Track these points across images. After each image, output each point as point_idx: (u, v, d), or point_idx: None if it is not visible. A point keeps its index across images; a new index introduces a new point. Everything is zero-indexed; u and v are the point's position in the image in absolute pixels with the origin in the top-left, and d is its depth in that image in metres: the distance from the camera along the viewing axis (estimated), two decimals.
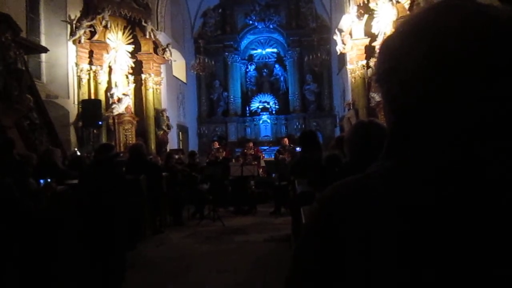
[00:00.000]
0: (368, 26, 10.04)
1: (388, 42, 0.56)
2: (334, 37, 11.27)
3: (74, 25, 10.15)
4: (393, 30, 0.59)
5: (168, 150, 11.93)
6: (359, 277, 0.50)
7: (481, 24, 0.48)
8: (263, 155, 11.91)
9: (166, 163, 8.04)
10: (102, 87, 10.87)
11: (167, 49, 12.56)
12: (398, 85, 0.52)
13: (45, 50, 8.82)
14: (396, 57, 0.53)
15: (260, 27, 17.46)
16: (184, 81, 16.11)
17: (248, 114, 17.76)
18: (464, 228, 0.46)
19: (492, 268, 0.44)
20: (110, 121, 10.91)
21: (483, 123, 0.47)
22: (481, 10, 0.49)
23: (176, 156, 9.14)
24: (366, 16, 10.08)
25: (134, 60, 11.76)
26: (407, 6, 8.96)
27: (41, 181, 4.27)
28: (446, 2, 0.52)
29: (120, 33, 11.36)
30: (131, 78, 11.84)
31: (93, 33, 10.56)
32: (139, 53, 11.89)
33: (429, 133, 0.50)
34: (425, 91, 0.49)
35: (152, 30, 12.00)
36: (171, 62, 13.54)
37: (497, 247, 0.44)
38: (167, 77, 13.42)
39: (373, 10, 9.76)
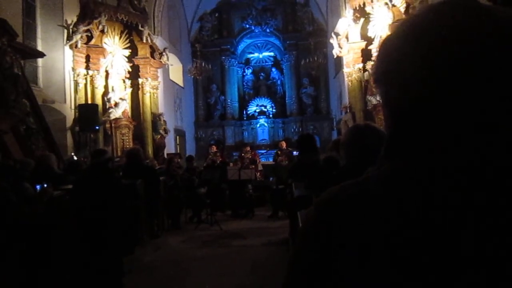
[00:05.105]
0: (364, 29, 10.10)
1: (387, 43, 0.55)
2: (331, 40, 11.31)
3: (70, 30, 10.15)
4: (390, 32, 0.59)
5: (165, 154, 11.92)
6: (357, 283, 0.49)
7: (481, 25, 0.47)
8: (259, 159, 11.91)
9: (168, 168, 8.02)
10: (99, 91, 10.86)
11: (164, 53, 12.57)
12: (396, 87, 0.52)
13: (41, 55, 8.80)
14: (395, 59, 0.52)
15: (256, 31, 17.52)
16: (181, 85, 16.12)
17: (245, 118, 17.78)
18: (464, 231, 0.46)
19: (493, 271, 0.44)
20: (107, 125, 10.89)
21: (482, 125, 0.47)
22: (481, 10, 0.48)
23: (175, 160, 9.12)
24: (362, 19, 10.14)
25: (131, 64, 11.76)
26: (403, 10, 9.02)
27: (38, 186, 4.25)
28: (445, 3, 0.51)
29: (117, 37, 11.37)
30: (128, 82, 11.83)
31: (89, 38, 10.57)
32: (136, 57, 11.90)
33: (427, 135, 0.50)
34: (423, 94, 0.49)
35: (149, 34, 12.02)
36: (168, 66, 13.54)
37: (497, 250, 0.44)
38: (164, 81, 13.42)
39: (369, 13, 9.81)
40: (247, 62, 18.79)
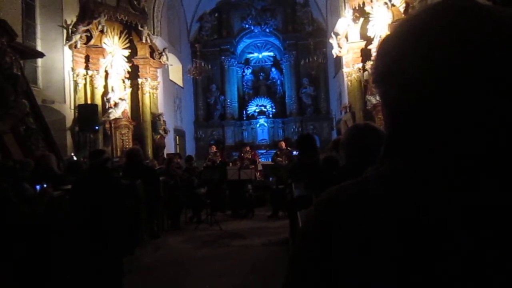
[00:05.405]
0: (363, 29, 10.10)
1: (386, 43, 0.55)
2: (330, 40, 11.31)
3: (70, 30, 10.16)
4: (389, 32, 0.58)
5: (165, 154, 11.92)
6: (357, 283, 0.49)
7: (481, 25, 0.47)
8: (259, 159, 11.91)
9: (167, 168, 8.02)
10: (99, 91, 10.86)
11: (163, 53, 12.57)
12: (396, 87, 0.52)
13: (41, 55, 8.81)
14: (394, 59, 0.52)
15: (256, 31, 17.51)
16: (181, 85, 16.11)
17: (245, 118, 17.78)
18: (464, 231, 0.46)
19: (492, 272, 0.44)
20: (107, 125, 10.89)
21: (482, 124, 0.47)
22: (479, 11, 0.48)
23: (175, 161, 9.12)
24: (361, 19, 10.14)
25: (131, 64, 11.76)
26: (402, 9, 9.02)
27: (37, 186, 4.25)
28: (444, 2, 0.51)
29: (116, 37, 11.37)
30: (128, 82, 11.83)
31: (89, 38, 10.57)
32: (135, 57, 11.90)
33: (427, 135, 0.50)
34: (423, 94, 0.49)
35: (148, 34, 12.02)
36: (167, 66, 13.54)
37: (497, 250, 0.44)
38: (164, 81, 13.42)
39: (368, 13, 9.82)
40: (247, 62, 18.78)
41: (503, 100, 0.46)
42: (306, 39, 16.04)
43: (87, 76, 10.57)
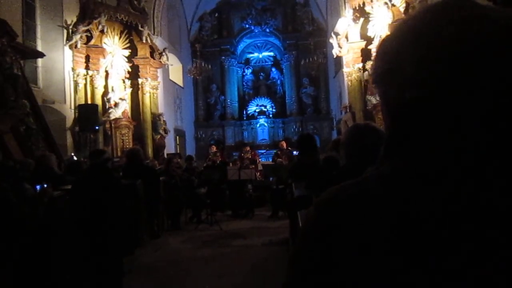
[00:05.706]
0: (364, 29, 10.10)
1: (386, 43, 0.56)
2: (330, 40, 11.30)
3: (70, 30, 10.16)
4: (389, 32, 0.58)
5: (165, 154, 11.92)
6: (357, 283, 0.49)
7: (480, 25, 0.47)
8: (259, 158, 11.91)
9: (167, 168, 8.02)
10: (99, 91, 10.86)
11: (163, 53, 12.58)
12: (395, 88, 0.52)
13: (41, 55, 8.81)
14: (393, 59, 0.52)
15: (256, 31, 17.52)
16: (181, 85, 16.12)
17: (245, 118, 17.79)
18: (465, 232, 0.46)
19: (492, 273, 0.44)
20: (107, 125, 10.89)
21: (482, 124, 0.47)
22: (479, 11, 0.48)
23: (174, 161, 9.13)
24: (362, 19, 10.14)
25: (131, 64, 11.76)
26: (402, 9, 9.02)
27: (38, 186, 4.25)
28: (443, 3, 0.51)
29: (116, 37, 11.37)
30: (128, 82, 11.83)
31: (89, 38, 10.58)
32: (135, 57, 11.90)
33: (427, 135, 0.50)
34: (423, 94, 0.49)
35: (148, 34, 12.02)
36: (167, 66, 13.54)
37: (498, 249, 0.44)
38: (164, 81, 13.42)
39: (368, 13, 9.82)
40: (247, 62, 18.79)
41: (503, 100, 0.46)
42: (306, 39, 16.05)
43: (87, 76, 10.57)
